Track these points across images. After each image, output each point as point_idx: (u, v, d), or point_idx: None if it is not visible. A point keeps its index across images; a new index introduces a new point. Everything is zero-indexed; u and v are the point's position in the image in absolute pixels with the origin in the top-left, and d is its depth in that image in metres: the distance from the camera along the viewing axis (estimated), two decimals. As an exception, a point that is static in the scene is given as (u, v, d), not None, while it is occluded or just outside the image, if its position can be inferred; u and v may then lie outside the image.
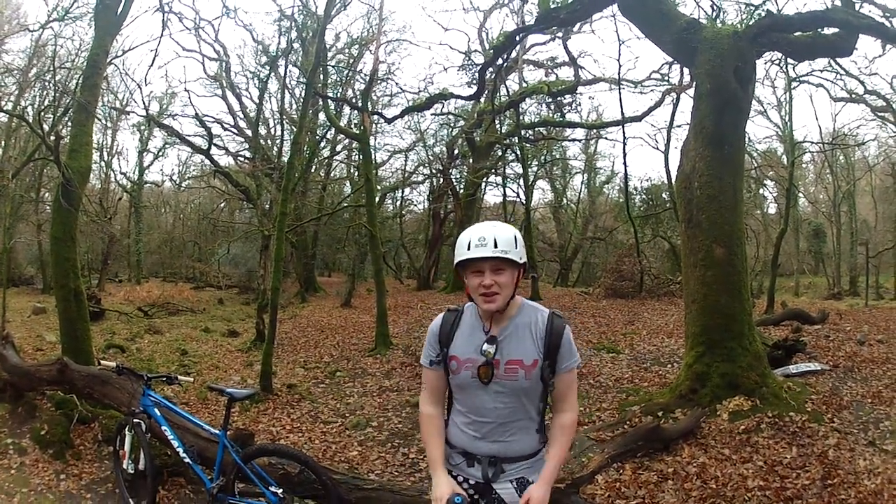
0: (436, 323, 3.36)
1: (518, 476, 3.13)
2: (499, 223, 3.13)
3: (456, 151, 37.14)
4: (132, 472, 6.30)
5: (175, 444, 6.11)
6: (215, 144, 34.10)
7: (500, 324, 3.14)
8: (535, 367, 3.06)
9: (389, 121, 25.74)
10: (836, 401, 9.17)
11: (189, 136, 36.14)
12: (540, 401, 3.18)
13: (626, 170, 30.50)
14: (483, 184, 38.52)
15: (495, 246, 2.96)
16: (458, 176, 37.66)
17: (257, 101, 36.05)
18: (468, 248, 3.01)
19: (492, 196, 45.21)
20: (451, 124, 37.83)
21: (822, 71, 26.24)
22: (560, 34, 27.65)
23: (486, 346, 3.10)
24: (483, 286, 3.01)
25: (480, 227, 3.06)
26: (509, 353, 3.09)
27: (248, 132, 35.69)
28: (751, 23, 12.16)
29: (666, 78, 28.78)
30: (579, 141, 42.25)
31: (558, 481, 6.07)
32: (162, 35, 26.82)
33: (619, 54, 38.85)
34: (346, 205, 36.46)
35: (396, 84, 34.75)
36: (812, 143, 35.99)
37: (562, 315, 3.19)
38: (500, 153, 36.81)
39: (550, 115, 34.61)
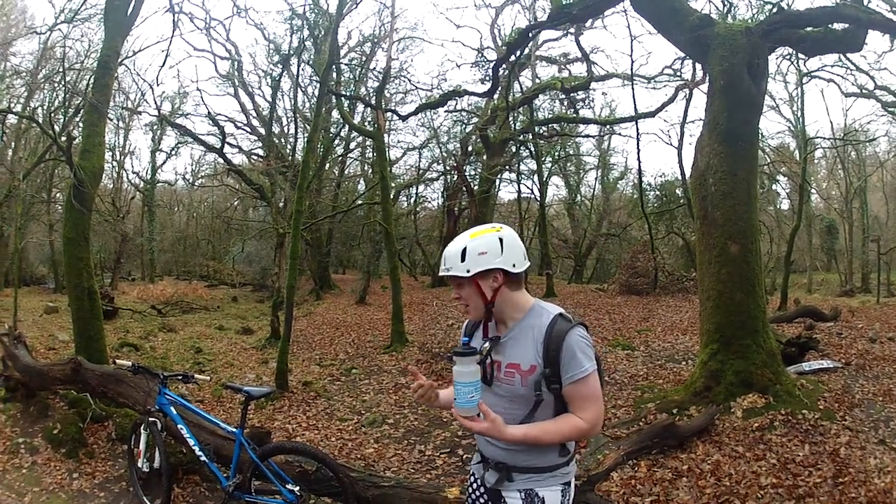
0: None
1: (527, 487, 3.01)
2: (461, 237, 3.11)
3: (470, 148, 37.12)
4: (147, 470, 6.35)
5: (191, 442, 6.14)
6: (228, 143, 34.38)
7: (506, 326, 3.10)
8: (531, 374, 2.93)
9: (404, 118, 25.78)
10: (848, 399, 9.15)
11: (202, 135, 36.50)
12: (552, 412, 2.99)
13: (639, 166, 30.39)
14: (497, 180, 38.52)
15: (445, 263, 3.03)
16: (472, 173, 37.68)
17: (270, 99, 36.35)
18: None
19: (506, 193, 45.51)
20: (465, 121, 37.80)
21: (832, 66, 26.19)
22: (572, 30, 27.62)
23: (484, 344, 3.07)
24: (456, 300, 3.09)
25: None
26: (509, 357, 3.02)
27: (262, 130, 35.87)
28: (762, 18, 12.10)
29: (678, 73, 28.68)
30: (593, 137, 42.36)
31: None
32: (173, 35, 26.69)
33: (632, 50, 38.58)
34: (360, 202, 36.50)
35: (409, 81, 34.77)
36: (824, 138, 35.92)
37: (570, 318, 3.01)
38: (514, 150, 36.75)
39: (564, 111, 34.64)
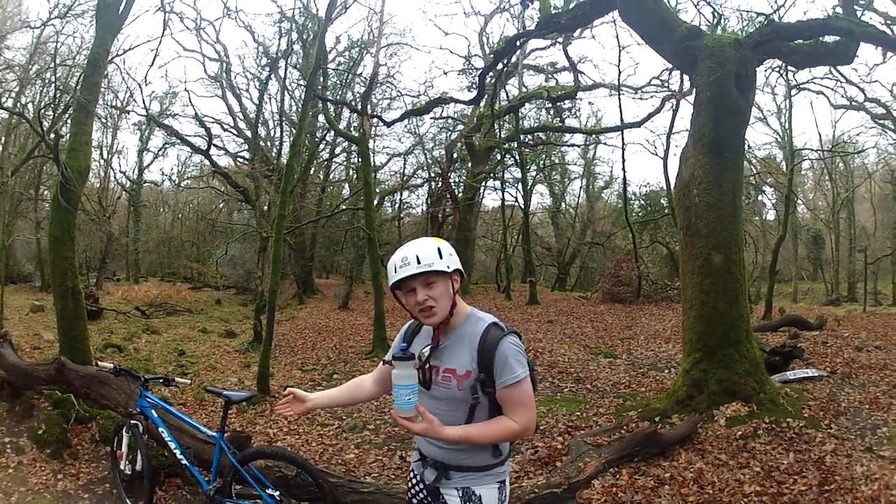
0: (406, 325, 3.53)
1: (464, 485, 3.18)
2: (420, 240, 3.22)
3: (455, 155, 37.18)
4: (129, 472, 6.31)
5: (172, 445, 6.10)
6: (215, 145, 34.38)
7: (446, 334, 3.21)
8: (467, 378, 3.08)
9: (389, 124, 25.85)
10: (834, 407, 9.17)
11: (189, 136, 36.41)
12: (487, 414, 3.15)
13: (624, 175, 30.37)
14: (482, 188, 38.63)
15: (418, 262, 3.04)
16: (456, 179, 37.73)
17: (257, 102, 36.32)
18: (395, 272, 3.10)
19: (490, 200, 45.47)
20: (451, 128, 37.88)
21: (822, 78, 26.32)
22: (560, 39, 27.73)
23: (423, 350, 3.19)
24: (418, 304, 3.09)
25: (402, 249, 3.15)
26: (446, 362, 3.16)
27: (248, 133, 35.90)
28: (752, 30, 12.13)
29: (666, 84, 28.88)
30: (578, 146, 42.49)
31: (554, 486, 6.10)
32: (163, 35, 26.84)
33: (620, 60, 39.01)
34: (344, 207, 36.32)
35: (396, 87, 34.70)
36: (812, 150, 36.23)
37: (503, 326, 3.16)
38: (499, 157, 36.88)
39: (550, 120, 34.79)
